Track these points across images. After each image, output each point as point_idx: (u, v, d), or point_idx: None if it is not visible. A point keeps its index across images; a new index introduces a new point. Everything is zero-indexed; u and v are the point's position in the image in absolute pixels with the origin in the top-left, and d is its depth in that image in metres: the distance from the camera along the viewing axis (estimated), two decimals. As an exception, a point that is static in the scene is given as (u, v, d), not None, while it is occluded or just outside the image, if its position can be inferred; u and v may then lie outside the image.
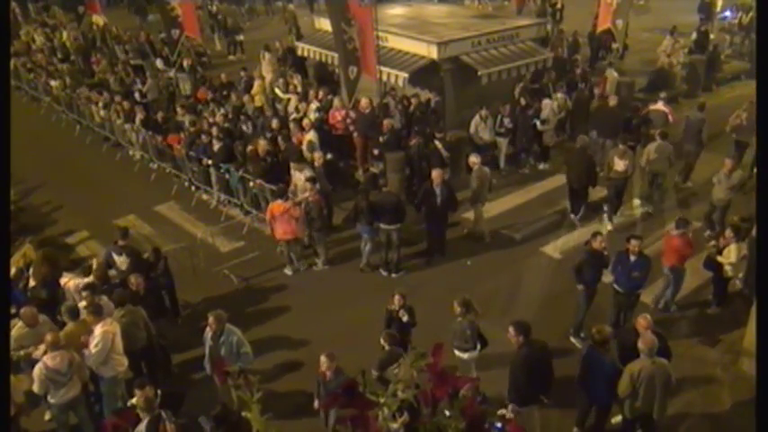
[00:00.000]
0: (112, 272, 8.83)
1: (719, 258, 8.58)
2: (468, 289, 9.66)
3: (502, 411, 5.84)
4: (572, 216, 11.33)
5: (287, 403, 7.63)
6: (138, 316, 7.62)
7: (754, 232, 8.25)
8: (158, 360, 8.02)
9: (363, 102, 12.47)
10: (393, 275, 9.99)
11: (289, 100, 14.25)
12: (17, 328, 7.31)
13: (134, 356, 7.55)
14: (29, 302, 8.00)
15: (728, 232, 8.58)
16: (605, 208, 11.21)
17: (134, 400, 6.23)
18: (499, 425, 5.69)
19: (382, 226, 9.74)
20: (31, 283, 8.67)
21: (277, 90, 14.75)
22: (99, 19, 21.99)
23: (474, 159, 10.61)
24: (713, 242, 8.98)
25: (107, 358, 7.07)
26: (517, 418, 5.86)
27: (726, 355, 8.20)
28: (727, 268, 8.56)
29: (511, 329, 6.49)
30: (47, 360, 6.69)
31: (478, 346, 7.37)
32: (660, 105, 12.68)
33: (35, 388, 6.81)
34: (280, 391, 7.84)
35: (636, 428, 6.75)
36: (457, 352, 7.40)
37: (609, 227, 10.91)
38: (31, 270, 8.79)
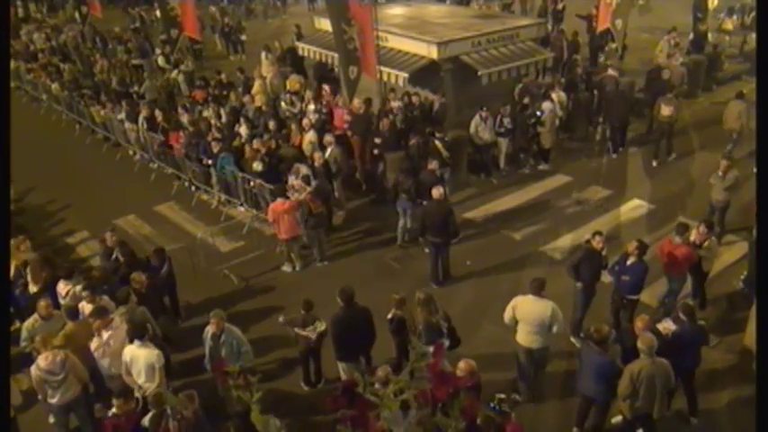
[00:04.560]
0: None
1: (700, 252, 8.41)
2: (468, 288, 9.74)
3: (500, 395, 5.87)
4: (613, 156, 13.45)
5: (287, 402, 7.65)
6: (140, 314, 7.61)
7: (754, 232, 8.26)
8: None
9: (355, 103, 12.44)
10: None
11: (291, 103, 14.22)
12: (32, 320, 7.43)
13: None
14: (30, 306, 8.02)
15: (702, 228, 8.45)
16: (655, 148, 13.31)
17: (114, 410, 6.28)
18: (493, 405, 5.75)
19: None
20: (32, 288, 8.65)
21: (283, 104, 14.61)
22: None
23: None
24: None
25: (117, 356, 7.07)
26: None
27: (726, 355, 8.19)
28: (705, 255, 8.45)
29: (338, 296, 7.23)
30: (40, 361, 6.69)
31: (446, 343, 7.22)
32: (610, 71, 14.56)
33: (36, 388, 6.81)
34: (280, 391, 7.86)
35: (636, 428, 6.75)
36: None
37: (654, 163, 13.12)
38: (29, 274, 8.76)
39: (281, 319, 7.85)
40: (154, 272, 8.79)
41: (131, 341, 6.94)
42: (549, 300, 7.21)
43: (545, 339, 7.28)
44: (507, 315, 7.36)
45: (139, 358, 6.89)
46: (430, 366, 4.30)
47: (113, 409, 6.20)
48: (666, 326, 6.98)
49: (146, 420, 6.16)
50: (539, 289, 7.17)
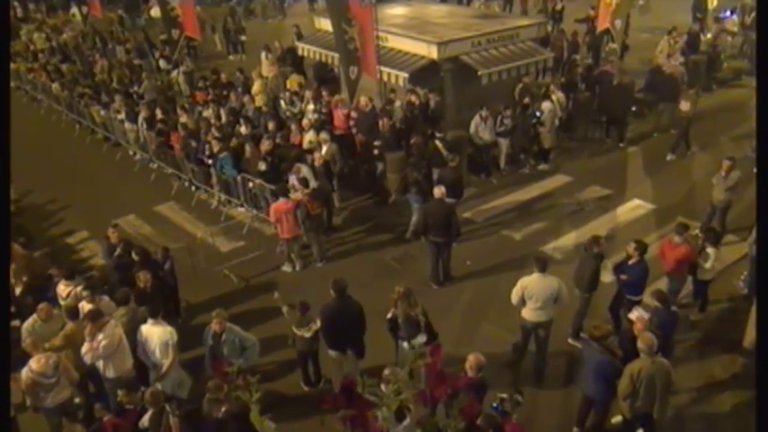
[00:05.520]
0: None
1: (698, 259, 8.36)
2: (468, 288, 9.73)
3: (502, 395, 5.92)
4: (607, 140, 14.14)
5: (287, 403, 7.65)
6: (141, 315, 7.61)
7: (754, 233, 8.24)
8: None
9: (362, 101, 12.45)
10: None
11: (292, 102, 14.21)
12: (31, 320, 7.44)
13: (136, 355, 7.55)
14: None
15: (702, 235, 8.43)
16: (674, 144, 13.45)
17: (119, 397, 6.38)
18: (495, 405, 5.78)
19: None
20: (16, 291, 8.64)
21: (283, 103, 14.57)
22: (77, 14, 22.05)
23: None
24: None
25: (111, 358, 7.07)
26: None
27: (726, 355, 8.19)
28: (706, 267, 8.37)
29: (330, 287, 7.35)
30: (32, 363, 6.67)
31: (423, 338, 7.23)
32: (609, 67, 15.37)
33: (26, 393, 6.80)
34: (280, 391, 7.86)
35: (636, 428, 6.75)
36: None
37: (669, 157, 13.28)
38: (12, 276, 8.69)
39: (286, 309, 7.82)
40: (159, 267, 8.80)
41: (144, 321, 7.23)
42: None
43: (550, 313, 7.64)
44: (516, 296, 7.62)
45: (153, 336, 7.13)
46: (428, 366, 4.30)
47: (120, 397, 6.29)
48: (639, 314, 7.05)
49: (145, 420, 6.15)
50: (544, 266, 7.56)
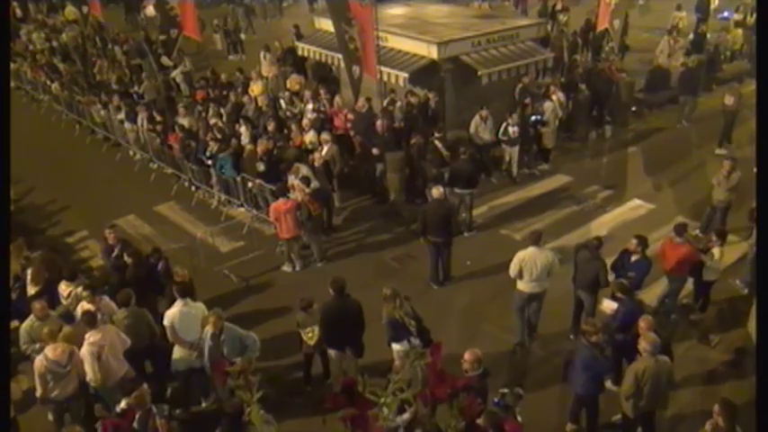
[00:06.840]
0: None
1: (703, 258, 8.34)
2: (468, 288, 9.74)
3: (504, 389, 5.94)
4: (606, 132, 14.43)
5: (288, 403, 7.65)
6: (142, 316, 7.60)
7: (754, 233, 8.24)
8: (162, 359, 7.98)
9: (359, 102, 12.45)
10: (466, 234, 10.90)
11: (292, 102, 14.21)
12: (29, 321, 7.42)
13: (137, 355, 7.55)
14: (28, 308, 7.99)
15: (713, 236, 8.43)
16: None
17: (123, 404, 6.30)
18: (497, 400, 5.79)
19: (456, 190, 10.57)
20: (30, 290, 8.58)
21: (283, 103, 14.56)
22: (70, 12, 21.96)
23: None
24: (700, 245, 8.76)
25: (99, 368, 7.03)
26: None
27: (726, 355, 8.19)
28: (709, 265, 8.34)
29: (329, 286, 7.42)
30: (47, 352, 6.72)
31: (415, 341, 7.02)
32: (604, 65, 15.46)
33: (36, 381, 6.81)
34: (281, 391, 7.86)
35: (636, 427, 6.75)
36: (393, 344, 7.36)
37: (719, 151, 13.17)
38: (29, 275, 8.68)
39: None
40: (153, 268, 8.78)
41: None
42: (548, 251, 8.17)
43: (544, 285, 8.12)
44: (514, 269, 8.00)
45: (191, 314, 7.41)
46: (428, 366, 4.28)
47: (122, 405, 6.25)
48: (609, 305, 7.29)
49: (134, 424, 6.13)
50: (538, 240, 7.98)
